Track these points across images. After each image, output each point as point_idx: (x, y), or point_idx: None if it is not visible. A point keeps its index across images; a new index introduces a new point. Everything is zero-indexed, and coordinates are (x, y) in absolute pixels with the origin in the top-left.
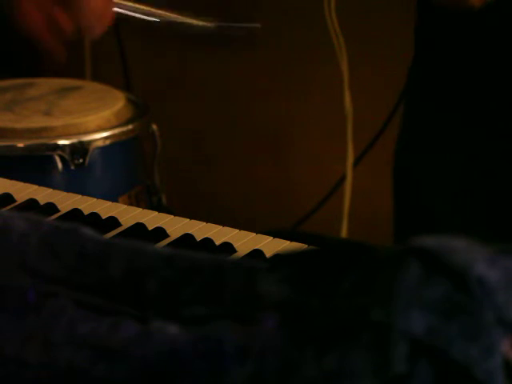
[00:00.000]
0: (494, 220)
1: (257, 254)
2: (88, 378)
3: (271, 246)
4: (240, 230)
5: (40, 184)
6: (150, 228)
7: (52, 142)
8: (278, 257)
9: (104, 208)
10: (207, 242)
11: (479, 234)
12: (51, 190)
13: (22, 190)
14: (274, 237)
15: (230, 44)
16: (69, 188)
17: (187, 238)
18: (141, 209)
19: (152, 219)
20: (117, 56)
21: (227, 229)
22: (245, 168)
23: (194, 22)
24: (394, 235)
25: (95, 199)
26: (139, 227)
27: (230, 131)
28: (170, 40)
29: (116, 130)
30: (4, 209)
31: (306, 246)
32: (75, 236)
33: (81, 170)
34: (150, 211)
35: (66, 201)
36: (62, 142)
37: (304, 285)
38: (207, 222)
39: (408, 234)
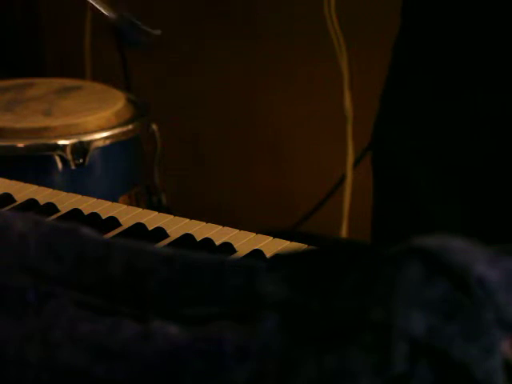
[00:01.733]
0: (474, 205)
1: (257, 254)
2: (88, 378)
3: (271, 245)
4: (240, 229)
5: (40, 184)
6: (150, 228)
7: (52, 141)
8: (278, 257)
9: (104, 208)
10: (207, 241)
11: (460, 221)
12: (51, 190)
13: (22, 190)
14: (274, 237)
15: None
16: (69, 188)
17: (187, 238)
18: (141, 209)
19: (152, 219)
20: (117, 56)
21: (227, 229)
22: (245, 168)
23: (99, 7)
24: (372, 225)
25: (95, 199)
26: (139, 227)
27: (230, 131)
28: (170, 40)
29: (116, 130)
30: (4, 209)
31: (306, 246)
32: (75, 236)
33: (81, 170)
34: (149, 211)
35: (66, 201)
36: (61, 142)
37: (304, 285)
38: (207, 222)
39: (389, 221)
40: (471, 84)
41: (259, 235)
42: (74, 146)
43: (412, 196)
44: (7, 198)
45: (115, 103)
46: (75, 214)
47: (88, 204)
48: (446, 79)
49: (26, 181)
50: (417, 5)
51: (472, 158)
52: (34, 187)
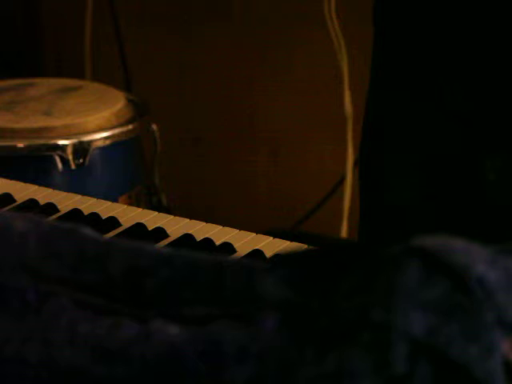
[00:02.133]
0: (459, 211)
1: (257, 254)
2: (88, 378)
3: (271, 245)
4: (240, 230)
5: (40, 184)
6: (150, 228)
7: (52, 142)
8: (278, 257)
9: (104, 208)
10: (207, 241)
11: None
12: (51, 190)
13: (22, 190)
14: (274, 237)
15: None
16: (69, 188)
17: (187, 238)
18: (141, 209)
19: (152, 219)
20: (117, 56)
21: (227, 229)
22: (245, 168)
23: None
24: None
25: (95, 199)
26: (139, 227)
27: (230, 131)
28: (170, 40)
29: (116, 130)
30: (4, 209)
31: (306, 246)
32: (75, 236)
33: (81, 170)
34: (149, 211)
35: (66, 201)
36: (61, 142)
37: (304, 285)
38: (207, 222)
39: (375, 225)
40: (449, 86)
41: (259, 235)
42: (74, 145)
43: (394, 200)
44: (7, 198)
45: (115, 103)
46: (75, 214)
47: (88, 204)
48: (424, 84)
49: (25, 181)
50: (386, 11)
51: (452, 157)
52: (34, 187)
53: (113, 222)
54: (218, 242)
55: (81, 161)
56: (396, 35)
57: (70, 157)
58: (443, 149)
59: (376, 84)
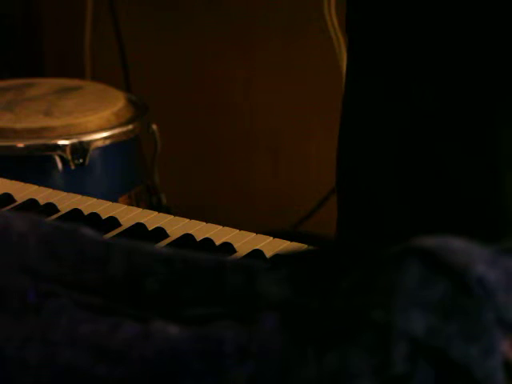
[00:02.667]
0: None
1: (257, 254)
2: (88, 378)
3: (271, 245)
4: (240, 230)
5: (40, 184)
6: (150, 228)
7: (52, 142)
8: (278, 257)
9: (104, 208)
10: (207, 242)
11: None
12: (51, 190)
13: (22, 190)
14: (274, 237)
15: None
16: (69, 188)
17: (187, 238)
18: (141, 209)
19: (152, 219)
20: (117, 56)
21: (227, 229)
22: (245, 168)
23: None
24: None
25: (95, 199)
26: (139, 227)
27: (230, 131)
28: (170, 40)
29: (116, 130)
30: (4, 209)
31: (306, 246)
32: (75, 236)
33: (81, 170)
34: (149, 211)
35: (66, 201)
36: (61, 142)
37: (304, 285)
38: (207, 222)
39: (353, 220)
40: (419, 87)
41: (259, 235)
42: (73, 146)
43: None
44: (7, 198)
45: (115, 103)
46: (75, 214)
47: (88, 204)
48: (396, 85)
49: (25, 181)
50: (358, 19)
51: (422, 157)
52: (34, 187)
53: (113, 222)
54: (218, 242)
55: (81, 161)
56: (366, 40)
57: (70, 157)
58: (414, 150)
59: (350, 86)
